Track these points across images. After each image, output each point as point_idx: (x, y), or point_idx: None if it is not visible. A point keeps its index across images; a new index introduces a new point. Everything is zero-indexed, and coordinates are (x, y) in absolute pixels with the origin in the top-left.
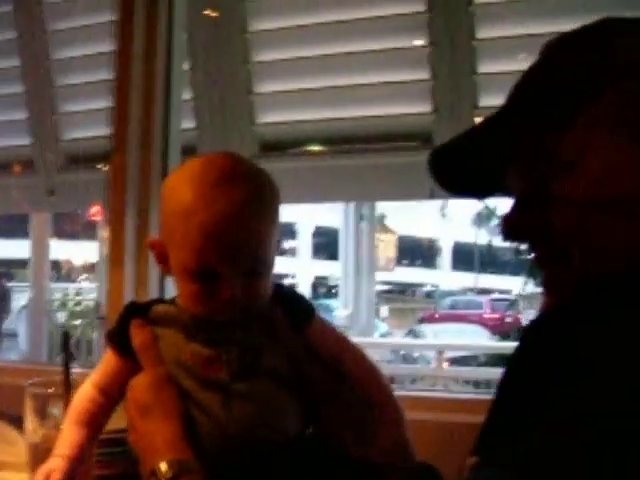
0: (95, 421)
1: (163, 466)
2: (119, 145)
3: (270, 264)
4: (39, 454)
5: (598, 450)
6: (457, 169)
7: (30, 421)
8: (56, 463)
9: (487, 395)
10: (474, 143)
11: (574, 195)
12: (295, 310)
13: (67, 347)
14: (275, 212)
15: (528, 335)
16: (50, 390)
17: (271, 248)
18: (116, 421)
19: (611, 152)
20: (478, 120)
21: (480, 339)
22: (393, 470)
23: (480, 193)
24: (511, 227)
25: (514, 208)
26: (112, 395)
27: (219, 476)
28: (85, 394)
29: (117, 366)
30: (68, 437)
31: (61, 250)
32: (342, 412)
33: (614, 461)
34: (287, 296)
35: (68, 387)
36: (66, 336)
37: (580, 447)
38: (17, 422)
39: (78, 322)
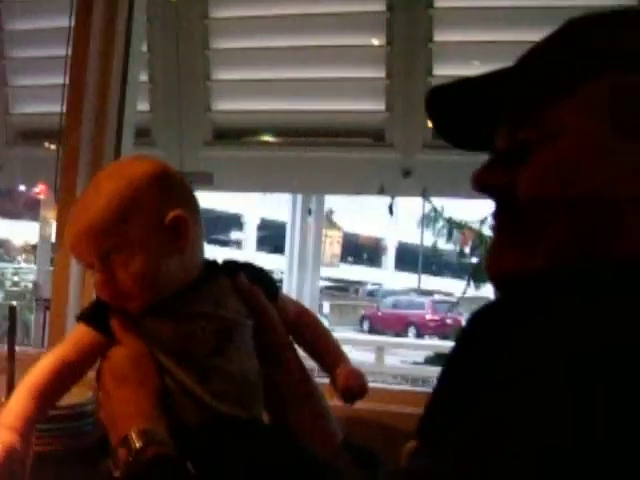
0: (52, 394)
1: (135, 434)
2: (72, 123)
3: (120, 246)
4: None
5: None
6: (451, 113)
7: None
8: (9, 438)
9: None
10: (473, 92)
11: (544, 164)
12: (266, 282)
13: (13, 320)
14: (115, 200)
15: (472, 323)
16: None
17: (114, 233)
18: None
19: (588, 135)
20: (430, 124)
21: None
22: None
23: (467, 144)
24: (481, 178)
25: (490, 160)
26: (76, 369)
27: (189, 450)
28: (47, 365)
29: (91, 341)
30: (22, 409)
31: (1, 229)
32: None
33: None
34: (256, 270)
35: (12, 359)
36: (12, 310)
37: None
38: None
39: (15, 303)
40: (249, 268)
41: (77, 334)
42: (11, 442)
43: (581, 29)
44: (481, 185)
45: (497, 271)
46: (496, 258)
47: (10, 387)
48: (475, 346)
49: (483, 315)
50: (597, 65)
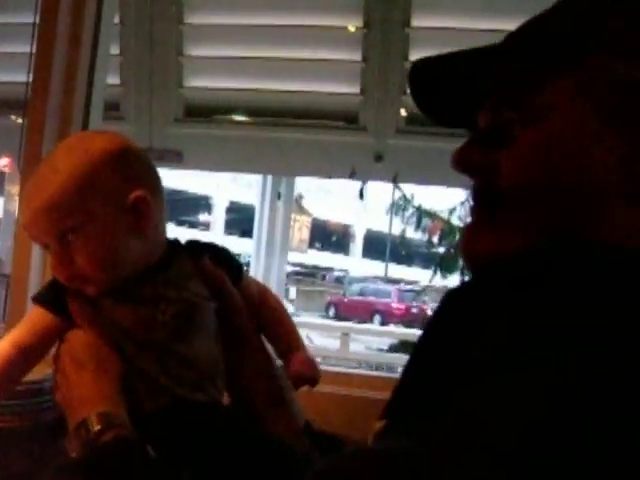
0: (10, 380)
1: (94, 417)
2: (38, 94)
3: (77, 226)
4: None
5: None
6: (434, 88)
7: None
8: None
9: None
10: (459, 67)
11: (528, 149)
12: (231, 264)
13: None
14: (73, 178)
15: (448, 301)
16: None
17: (71, 212)
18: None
19: (574, 122)
20: (403, 110)
21: None
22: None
23: (449, 120)
24: (461, 156)
25: (472, 139)
26: (34, 353)
27: (151, 437)
28: (3, 350)
29: (48, 324)
30: None
31: None
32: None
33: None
34: (220, 252)
35: None
36: None
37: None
38: None
39: None
40: (213, 249)
41: (34, 316)
42: None
43: (575, 9)
44: (461, 164)
45: (474, 252)
46: (473, 239)
47: None
48: (452, 323)
49: (460, 293)
50: (590, 48)
